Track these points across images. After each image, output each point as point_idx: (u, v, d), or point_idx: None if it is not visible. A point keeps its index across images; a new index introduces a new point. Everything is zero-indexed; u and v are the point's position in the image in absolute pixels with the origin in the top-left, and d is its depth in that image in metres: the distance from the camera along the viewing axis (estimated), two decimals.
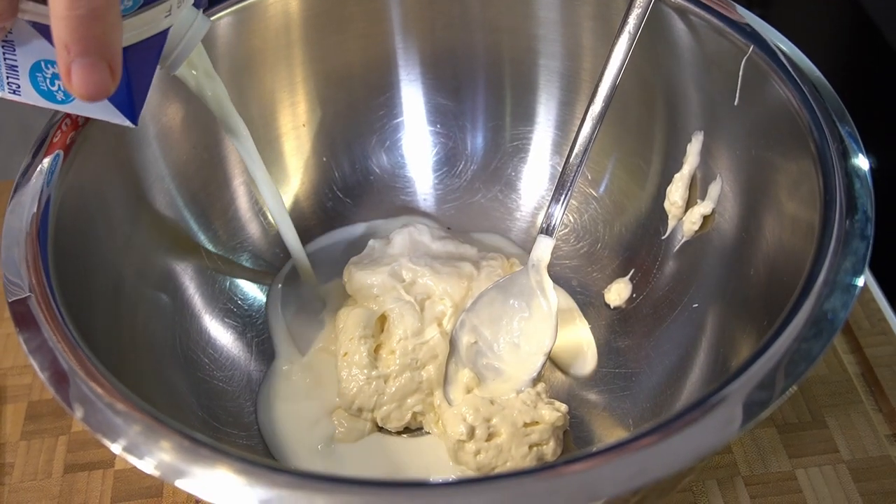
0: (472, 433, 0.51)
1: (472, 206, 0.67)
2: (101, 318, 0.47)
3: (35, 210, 0.44)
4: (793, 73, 0.48)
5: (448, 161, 0.67)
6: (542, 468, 0.34)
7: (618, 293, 0.61)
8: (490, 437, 0.51)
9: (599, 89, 0.54)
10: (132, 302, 0.51)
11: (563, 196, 0.55)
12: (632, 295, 0.60)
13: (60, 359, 0.39)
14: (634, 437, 0.35)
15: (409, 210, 0.67)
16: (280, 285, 0.62)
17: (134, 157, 0.53)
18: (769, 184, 0.49)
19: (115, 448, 0.36)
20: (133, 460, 0.35)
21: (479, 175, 0.67)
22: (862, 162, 0.44)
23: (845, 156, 0.44)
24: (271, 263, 0.63)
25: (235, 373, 0.57)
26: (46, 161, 0.47)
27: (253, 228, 0.62)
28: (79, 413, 0.37)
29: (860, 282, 0.39)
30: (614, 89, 0.53)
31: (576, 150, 0.55)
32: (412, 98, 0.66)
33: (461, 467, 0.52)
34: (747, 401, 0.35)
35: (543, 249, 0.56)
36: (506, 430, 0.51)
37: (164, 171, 0.55)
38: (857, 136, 0.45)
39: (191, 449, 0.35)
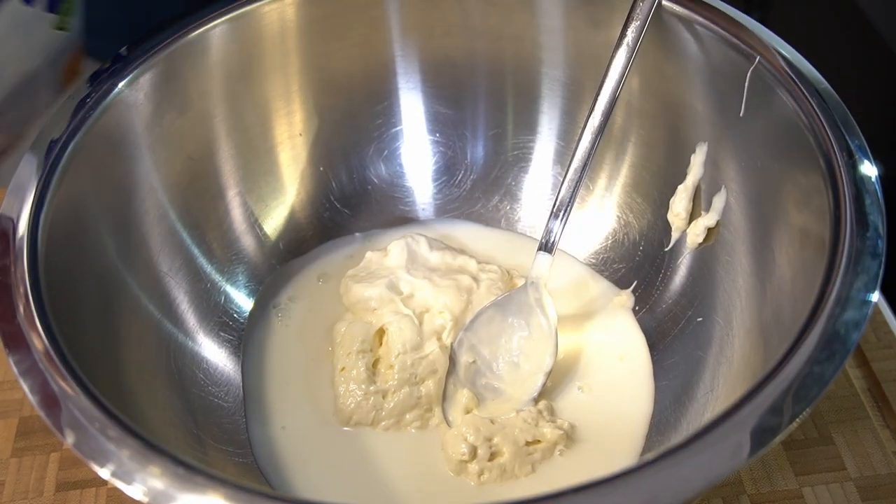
0: (473, 453, 0.50)
1: (471, 216, 0.66)
2: (93, 336, 0.46)
3: (23, 230, 0.43)
4: (799, 84, 0.47)
5: (447, 170, 0.66)
6: (547, 496, 0.33)
7: (620, 306, 0.60)
8: (492, 456, 0.50)
9: (598, 103, 0.53)
10: (124, 318, 0.50)
11: (563, 212, 0.54)
12: (634, 308, 0.59)
13: (51, 382, 0.38)
14: (641, 466, 0.34)
15: (408, 220, 0.66)
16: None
17: (125, 170, 0.52)
18: (776, 197, 0.48)
19: (104, 473, 0.35)
20: (123, 486, 0.35)
21: (478, 185, 0.66)
22: (872, 176, 0.43)
23: (855, 169, 0.43)
24: (266, 276, 0.62)
25: (231, 388, 0.56)
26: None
27: (247, 241, 0.61)
28: (70, 439, 0.36)
29: (873, 300, 0.38)
30: (613, 102, 0.53)
31: (574, 166, 0.54)
32: (411, 106, 0.64)
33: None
34: (756, 427, 0.34)
35: (542, 266, 0.55)
36: (508, 449, 0.50)
37: (157, 184, 0.54)
38: (866, 149, 0.44)
39: (183, 475, 0.35)
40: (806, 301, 0.39)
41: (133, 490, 0.34)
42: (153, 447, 0.36)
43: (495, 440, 0.50)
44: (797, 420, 0.35)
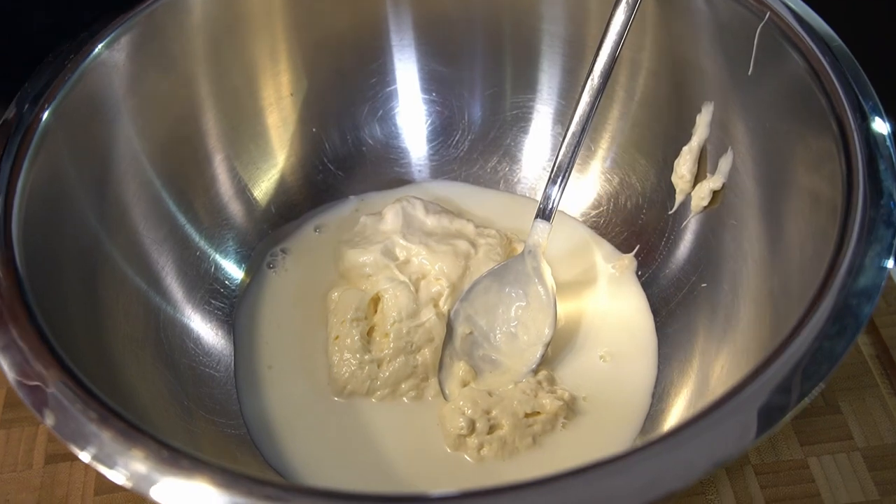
0: (472, 427, 0.49)
1: (469, 177, 0.64)
2: (76, 309, 0.44)
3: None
4: (811, 41, 0.45)
5: (444, 131, 0.64)
6: (547, 479, 0.32)
7: (622, 270, 0.58)
8: (492, 429, 0.49)
9: (596, 63, 0.51)
10: (109, 291, 0.48)
11: (561, 178, 0.53)
12: (637, 272, 0.58)
13: (30, 360, 0.36)
14: (644, 447, 0.32)
15: (404, 182, 0.64)
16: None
17: (106, 135, 0.50)
18: (786, 160, 0.47)
19: (85, 457, 0.34)
20: (104, 470, 0.33)
21: (476, 145, 0.64)
22: (886, 139, 0.41)
23: (868, 132, 0.41)
24: (257, 242, 0.60)
25: (222, 358, 0.54)
26: None
27: (236, 207, 0.59)
28: (50, 420, 0.35)
29: (888, 268, 0.37)
30: (613, 62, 0.51)
31: (572, 130, 0.52)
32: (405, 65, 0.62)
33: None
34: (764, 406, 0.33)
35: (540, 234, 0.54)
36: (507, 421, 0.49)
37: (140, 149, 0.52)
38: (881, 111, 0.42)
39: (167, 458, 0.33)
40: (816, 270, 0.38)
41: (115, 474, 0.33)
42: (137, 429, 0.34)
43: (494, 413, 0.49)
44: (806, 398, 0.33)
